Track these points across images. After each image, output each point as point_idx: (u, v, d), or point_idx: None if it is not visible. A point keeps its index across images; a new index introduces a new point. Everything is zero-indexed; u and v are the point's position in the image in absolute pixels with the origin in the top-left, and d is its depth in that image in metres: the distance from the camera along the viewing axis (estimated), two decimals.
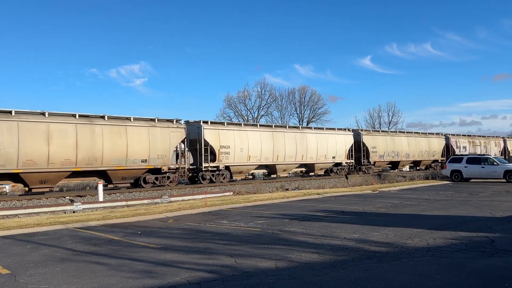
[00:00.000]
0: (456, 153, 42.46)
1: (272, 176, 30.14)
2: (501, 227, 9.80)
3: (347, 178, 27.35)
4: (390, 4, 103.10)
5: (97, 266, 6.93)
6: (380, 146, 36.64)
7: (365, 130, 37.33)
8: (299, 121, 63.66)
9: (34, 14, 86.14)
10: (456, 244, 7.88)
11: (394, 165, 39.39)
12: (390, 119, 69.58)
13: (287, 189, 22.70)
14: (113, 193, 20.46)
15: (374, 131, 38.17)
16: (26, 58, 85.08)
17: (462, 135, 48.25)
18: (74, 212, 14.78)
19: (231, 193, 20.25)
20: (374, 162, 36.22)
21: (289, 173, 33.16)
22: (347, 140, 34.36)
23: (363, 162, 35.44)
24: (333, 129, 35.17)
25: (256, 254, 7.46)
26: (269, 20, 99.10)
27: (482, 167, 26.04)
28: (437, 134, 45.03)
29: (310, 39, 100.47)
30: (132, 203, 16.47)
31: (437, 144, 43.25)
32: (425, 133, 44.32)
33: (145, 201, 16.91)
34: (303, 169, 32.42)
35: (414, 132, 43.19)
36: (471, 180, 26.81)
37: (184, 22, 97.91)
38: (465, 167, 26.59)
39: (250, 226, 10.71)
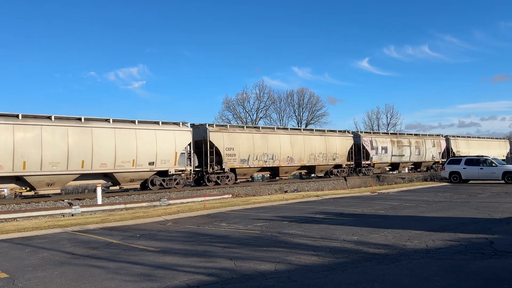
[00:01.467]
0: (371, 156, 35.06)
1: (27, 194, 19.79)
2: (500, 228, 9.81)
3: (346, 180, 27.36)
4: (387, 6, 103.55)
5: (96, 269, 6.92)
6: (243, 147, 26.66)
7: (216, 126, 26.84)
8: (298, 123, 63.70)
9: (33, 17, 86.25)
10: (455, 246, 7.88)
11: (275, 171, 29.47)
12: (388, 121, 69.49)
13: (286, 191, 22.72)
14: (112, 196, 20.43)
15: (234, 126, 29.20)
16: (24, 61, 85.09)
17: (383, 133, 40.76)
18: (72, 215, 14.75)
19: (230, 195, 20.23)
20: (232, 169, 26.37)
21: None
22: (180, 138, 23.80)
23: (211, 169, 25.35)
24: (156, 123, 23.59)
25: (255, 256, 7.45)
26: (268, 23, 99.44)
27: (481, 169, 26.08)
28: (340, 131, 34.91)
29: (308, 42, 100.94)
30: (131, 206, 16.47)
31: (340, 145, 33.35)
32: (323, 130, 34.36)
33: (144, 204, 16.90)
34: (102, 181, 21.47)
35: (304, 129, 33.36)
36: (470, 182, 26.85)
37: (182, 25, 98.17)
38: (463, 168, 26.65)
39: (249, 228, 10.70)
